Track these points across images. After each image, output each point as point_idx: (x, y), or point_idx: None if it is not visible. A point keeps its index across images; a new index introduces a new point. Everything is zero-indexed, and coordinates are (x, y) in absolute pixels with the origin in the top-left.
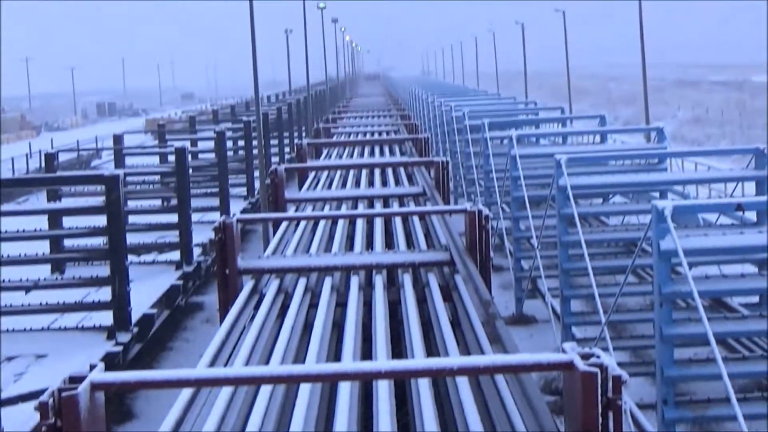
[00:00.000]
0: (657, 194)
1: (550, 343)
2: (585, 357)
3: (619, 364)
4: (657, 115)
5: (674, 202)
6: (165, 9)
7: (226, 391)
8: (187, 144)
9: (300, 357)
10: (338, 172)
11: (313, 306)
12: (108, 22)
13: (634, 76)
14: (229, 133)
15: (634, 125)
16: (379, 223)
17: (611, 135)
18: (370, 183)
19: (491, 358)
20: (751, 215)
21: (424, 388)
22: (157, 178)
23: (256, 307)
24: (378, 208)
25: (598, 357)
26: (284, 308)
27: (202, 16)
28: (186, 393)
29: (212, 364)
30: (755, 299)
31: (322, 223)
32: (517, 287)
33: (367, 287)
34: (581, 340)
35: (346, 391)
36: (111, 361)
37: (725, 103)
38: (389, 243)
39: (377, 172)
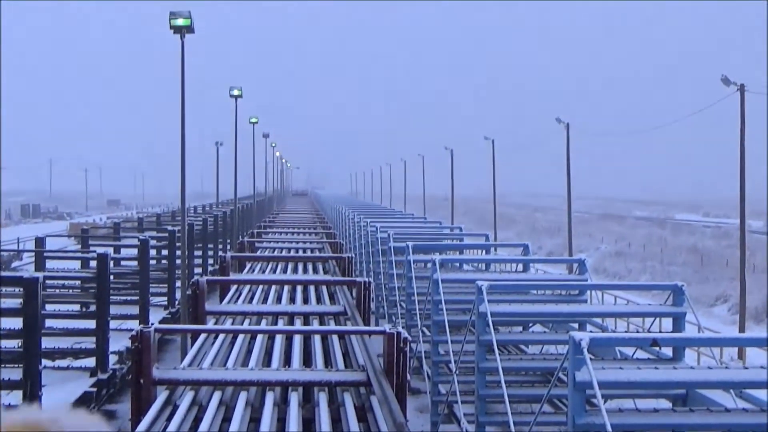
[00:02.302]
0: (576, 325)
1: None
2: None
3: None
4: (581, 247)
5: (591, 334)
6: (94, 114)
7: None
8: (110, 250)
9: None
10: (260, 287)
11: (227, 420)
12: (37, 124)
13: (560, 206)
14: (153, 242)
15: (558, 256)
16: (297, 340)
17: (534, 264)
18: (292, 299)
19: None
20: (668, 350)
21: None
22: (77, 282)
23: (169, 419)
24: (298, 325)
25: None
26: (197, 421)
27: (132, 124)
28: None
29: None
30: None
31: (240, 337)
32: (434, 411)
33: (282, 404)
34: None
35: None
36: None
37: (647, 238)
38: (307, 360)
39: (299, 289)
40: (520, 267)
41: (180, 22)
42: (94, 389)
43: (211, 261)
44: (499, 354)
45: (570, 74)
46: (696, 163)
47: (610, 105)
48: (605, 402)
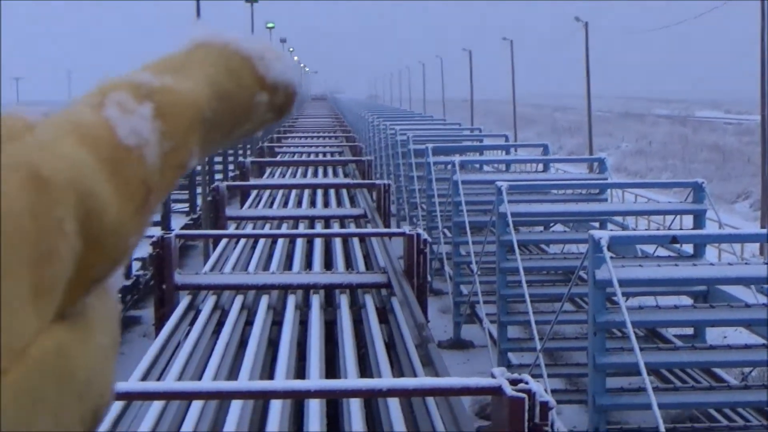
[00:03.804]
0: (597, 224)
1: (486, 368)
2: (513, 383)
3: (554, 392)
4: (601, 146)
5: (611, 233)
6: (111, 21)
7: (156, 405)
8: None
9: (233, 374)
10: (280, 192)
11: (249, 324)
12: (55, 35)
13: (581, 106)
14: None
15: (578, 155)
16: (318, 244)
17: (554, 164)
18: (312, 203)
19: (421, 380)
20: (688, 248)
21: (355, 408)
22: None
23: (192, 323)
24: (318, 228)
25: (526, 383)
26: (220, 325)
27: (148, 27)
28: (116, 406)
29: (144, 378)
30: (689, 331)
31: (261, 241)
32: (456, 312)
33: (304, 307)
34: (517, 366)
35: (277, 409)
36: None
37: (669, 136)
38: (328, 264)
39: (319, 192)
40: (540, 167)
41: None
42: (119, 295)
43: (231, 167)
44: (520, 254)
45: None
46: (718, 59)
47: (630, 2)
48: (626, 300)
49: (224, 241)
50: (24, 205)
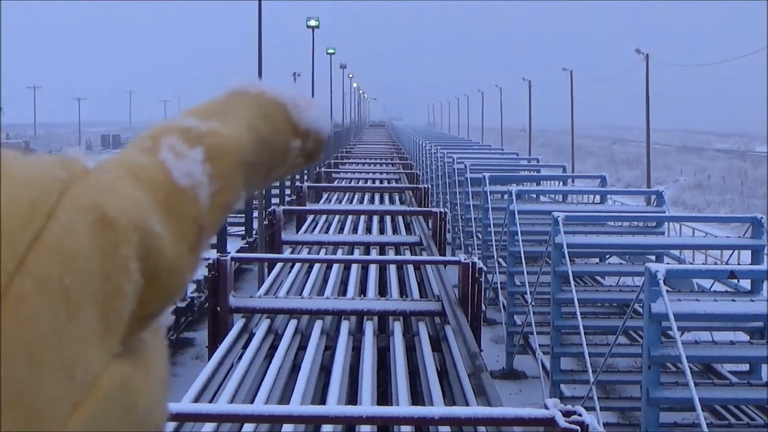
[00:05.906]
0: (653, 257)
1: (538, 400)
2: (567, 414)
3: (606, 425)
4: (659, 180)
5: (668, 266)
6: (174, 46)
7: (208, 427)
8: None
9: (285, 398)
10: (336, 217)
11: (302, 348)
12: (117, 56)
13: (639, 139)
14: None
15: (636, 188)
16: (373, 270)
17: (611, 196)
18: (368, 229)
19: (473, 409)
20: (746, 283)
21: None
22: None
23: (245, 346)
24: (373, 255)
25: (579, 415)
26: (273, 349)
27: (210, 55)
28: (168, 427)
29: (197, 400)
30: (745, 367)
31: (316, 266)
32: (509, 342)
33: (357, 333)
34: (569, 398)
35: None
36: None
37: (727, 171)
38: (382, 290)
39: (375, 219)
40: (597, 198)
41: None
42: (173, 317)
43: (287, 191)
44: (575, 285)
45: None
46: None
47: (690, 35)
48: (681, 334)
49: (279, 265)
50: (93, 244)
